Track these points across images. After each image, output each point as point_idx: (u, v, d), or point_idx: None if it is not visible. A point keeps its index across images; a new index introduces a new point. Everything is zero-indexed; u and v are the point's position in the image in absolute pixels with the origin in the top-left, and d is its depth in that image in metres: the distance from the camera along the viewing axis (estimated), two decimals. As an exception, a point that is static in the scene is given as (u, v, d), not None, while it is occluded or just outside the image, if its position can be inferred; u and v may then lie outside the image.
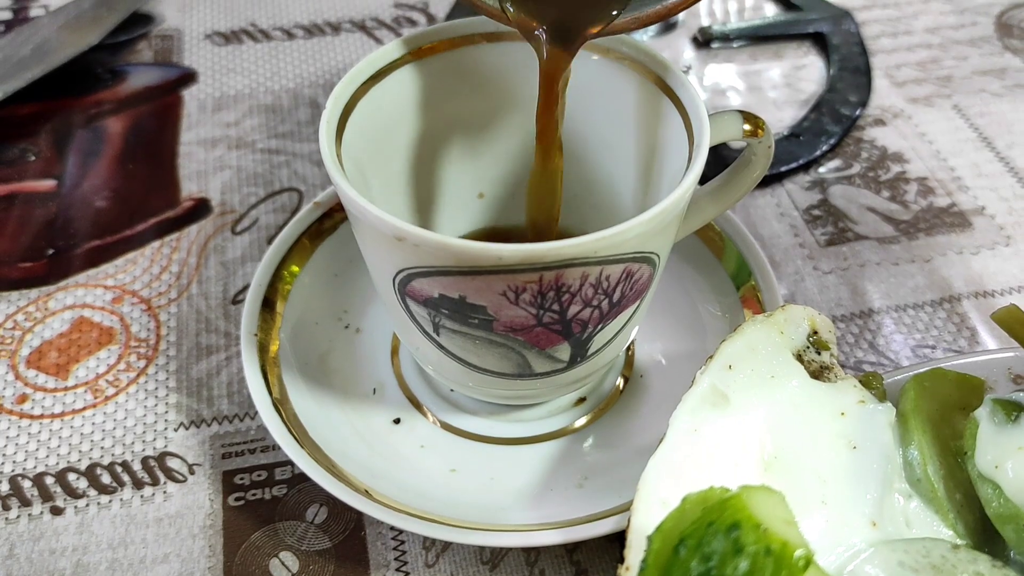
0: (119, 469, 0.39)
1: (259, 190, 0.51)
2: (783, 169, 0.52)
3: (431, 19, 0.64)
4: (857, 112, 0.55)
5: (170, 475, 0.39)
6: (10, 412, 0.41)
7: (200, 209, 0.51)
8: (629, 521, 0.29)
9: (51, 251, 0.48)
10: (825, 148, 0.53)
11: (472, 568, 0.36)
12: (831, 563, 0.29)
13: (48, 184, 0.52)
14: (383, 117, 0.36)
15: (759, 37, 0.62)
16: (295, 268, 0.42)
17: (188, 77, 0.60)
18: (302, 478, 0.38)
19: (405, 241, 0.29)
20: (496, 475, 0.37)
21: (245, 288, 0.46)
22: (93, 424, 0.41)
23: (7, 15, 0.65)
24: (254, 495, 0.38)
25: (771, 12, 0.64)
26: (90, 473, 0.39)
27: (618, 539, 0.32)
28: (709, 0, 0.64)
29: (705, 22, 0.63)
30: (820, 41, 0.61)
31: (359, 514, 0.37)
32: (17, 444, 0.40)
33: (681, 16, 0.63)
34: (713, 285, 0.43)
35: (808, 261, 0.48)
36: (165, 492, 0.38)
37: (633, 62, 0.35)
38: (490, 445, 0.38)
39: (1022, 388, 0.35)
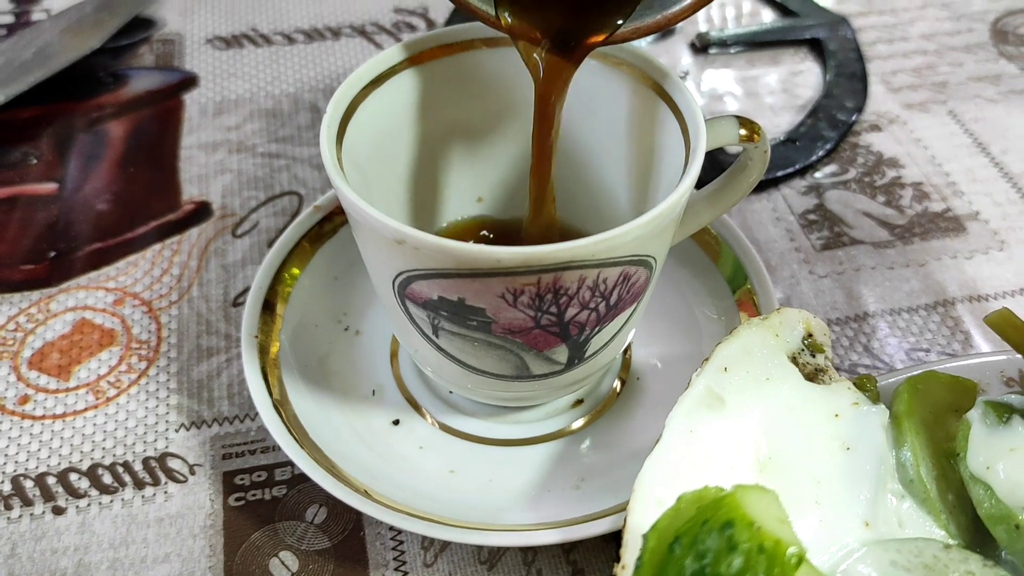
0: (120, 469, 0.39)
1: (259, 194, 0.52)
2: (779, 174, 0.52)
3: (431, 24, 0.65)
4: (853, 118, 0.56)
5: (171, 475, 0.39)
6: (12, 413, 0.42)
7: (201, 212, 0.51)
8: (625, 521, 0.29)
9: (53, 253, 0.49)
10: (821, 153, 0.54)
11: (470, 568, 0.36)
12: (825, 562, 0.30)
13: (50, 187, 0.53)
14: (383, 121, 0.36)
15: (756, 43, 0.62)
16: (295, 271, 0.43)
17: (189, 81, 0.60)
18: (302, 479, 0.39)
19: (405, 244, 0.29)
20: (494, 476, 0.38)
21: (245, 291, 0.46)
22: (94, 425, 0.41)
23: (9, 19, 0.66)
24: (254, 495, 0.38)
25: (768, 18, 0.65)
26: (91, 473, 0.39)
27: (614, 539, 0.33)
28: (707, 7, 0.65)
29: (703, 28, 0.63)
30: (817, 47, 0.62)
31: (358, 514, 0.38)
32: (19, 444, 0.40)
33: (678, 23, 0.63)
34: (709, 288, 0.43)
35: (804, 265, 0.48)
36: (166, 492, 0.39)
37: (630, 67, 0.36)
38: (488, 446, 0.39)
39: (1014, 391, 0.35)
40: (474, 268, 0.29)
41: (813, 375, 0.34)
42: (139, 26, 0.64)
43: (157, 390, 0.42)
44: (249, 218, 0.50)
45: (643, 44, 0.62)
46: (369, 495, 0.35)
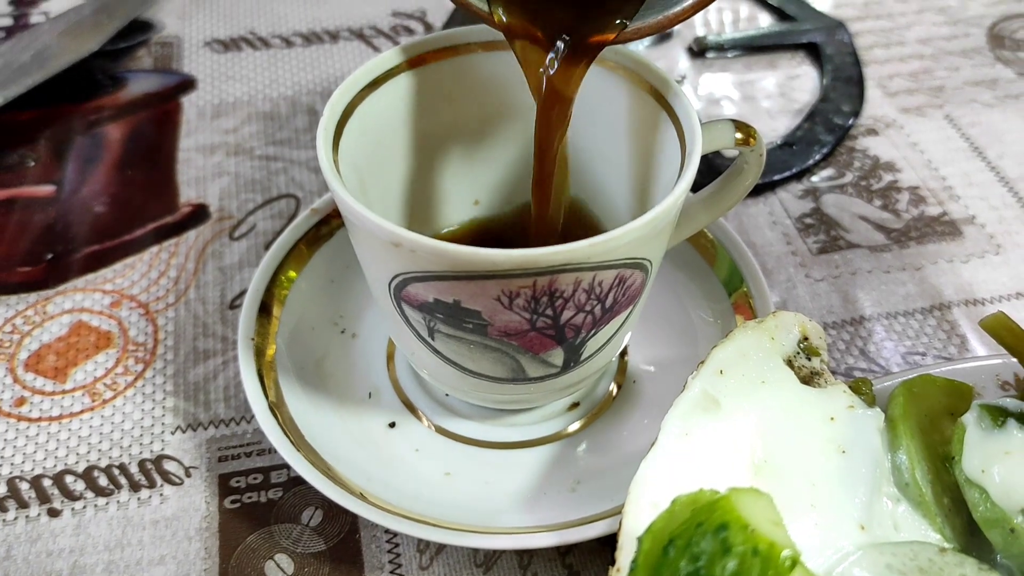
0: (116, 472, 0.39)
1: (257, 196, 0.52)
2: (776, 178, 0.52)
3: (428, 28, 0.65)
4: (850, 122, 0.56)
5: (167, 478, 0.39)
6: (8, 415, 0.42)
7: (198, 215, 0.51)
8: (620, 523, 0.29)
9: (50, 256, 0.49)
10: (818, 157, 0.54)
11: (466, 571, 0.36)
12: (820, 565, 0.30)
13: (47, 189, 0.53)
14: (380, 124, 0.36)
15: (753, 47, 0.62)
16: (292, 273, 0.43)
17: (187, 84, 0.60)
18: (297, 481, 0.39)
19: (401, 246, 0.29)
20: (490, 479, 0.38)
21: (242, 293, 0.46)
22: (91, 427, 0.41)
23: (7, 21, 0.66)
24: (250, 498, 0.38)
25: (765, 22, 0.65)
26: (87, 475, 0.39)
27: (610, 542, 0.33)
28: (704, 10, 0.65)
29: (700, 32, 0.63)
30: (814, 51, 0.62)
31: (354, 517, 0.38)
32: (15, 447, 0.40)
33: (677, 26, 0.63)
34: (705, 292, 0.43)
35: (800, 269, 0.48)
36: (162, 495, 0.39)
37: (626, 71, 0.36)
38: (484, 449, 0.39)
39: (1009, 394, 0.35)
40: (470, 270, 0.29)
41: (809, 378, 0.34)
42: (137, 29, 0.64)
43: (153, 392, 0.42)
44: (246, 221, 0.51)
45: (640, 48, 0.62)
46: (365, 498, 0.35)
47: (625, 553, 0.28)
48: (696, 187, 0.35)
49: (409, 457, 0.38)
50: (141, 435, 0.41)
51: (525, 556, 0.37)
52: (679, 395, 0.32)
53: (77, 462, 0.40)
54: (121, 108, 0.58)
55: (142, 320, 0.45)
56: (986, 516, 0.31)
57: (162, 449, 0.40)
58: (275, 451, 0.38)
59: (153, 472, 0.39)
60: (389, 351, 0.42)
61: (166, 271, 0.48)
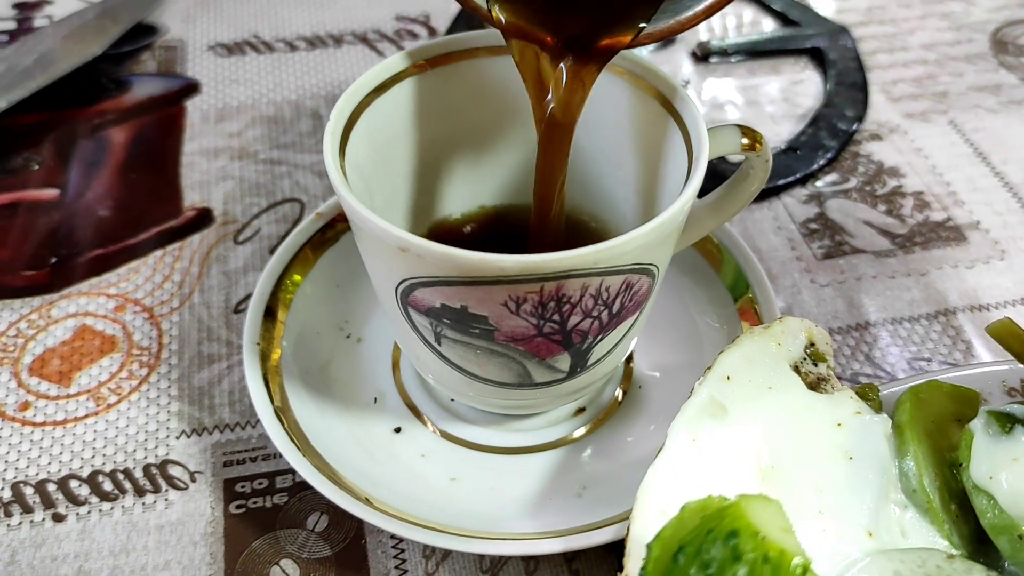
0: (121, 476, 0.39)
1: (261, 200, 0.52)
2: (781, 183, 0.52)
3: (432, 32, 0.65)
4: (854, 127, 0.56)
5: (172, 483, 0.39)
6: (12, 419, 0.41)
7: (202, 219, 0.51)
8: (628, 530, 0.29)
9: (54, 259, 0.49)
10: (822, 162, 0.54)
11: (471, 576, 0.36)
12: (828, 572, 0.30)
13: (51, 193, 0.53)
14: (386, 129, 0.36)
15: (757, 52, 0.62)
16: (297, 277, 0.43)
17: (191, 88, 0.60)
18: (303, 486, 0.39)
19: (408, 251, 0.29)
20: (496, 484, 0.38)
21: (247, 297, 0.46)
22: (95, 431, 0.41)
23: (11, 25, 0.66)
24: (255, 503, 0.38)
25: (769, 27, 0.65)
26: (92, 480, 0.39)
27: (616, 548, 0.33)
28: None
29: (704, 37, 0.63)
30: (817, 56, 0.62)
31: (360, 522, 0.38)
32: (19, 451, 0.40)
33: (680, 31, 0.63)
34: (711, 297, 0.43)
35: (805, 274, 0.48)
36: (167, 499, 0.39)
37: (632, 76, 0.36)
38: (490, 454, 0.39)
39: (1017, 400, 0.35)
40: (477, 276, 0.29)
41: (815, 384, 0.34)
42: (141, 33, 0.64)
43: (158, 397, 0.42)
44: (251, 225, 0.50)
45: (643, 53, 0.62)
46: (370, 503, 0.35)
47: (634, 560, 0.27)
48: (701, 192, 0.35)
49: (415, 462, 0.38)
50: (146, 440, 0.41)
51: (531, 562, 0.37)
52: (686, 401, 0.32)
53: (82, 467, 0.40)
54: (125, 112, 0.58)
55: (146, 324, 0.45)
56: (994, 523, 0.31)
57: (167, 454, 0.40)
58: (280, 456, 0.38)
59: (158, 477, 0.39)
60: (394, 356, 0.42)
61: (170, 275, 0.48)
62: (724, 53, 0.62)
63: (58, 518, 0.38)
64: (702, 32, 0.64)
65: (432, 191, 0.40)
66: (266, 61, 0.62)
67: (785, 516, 0.26)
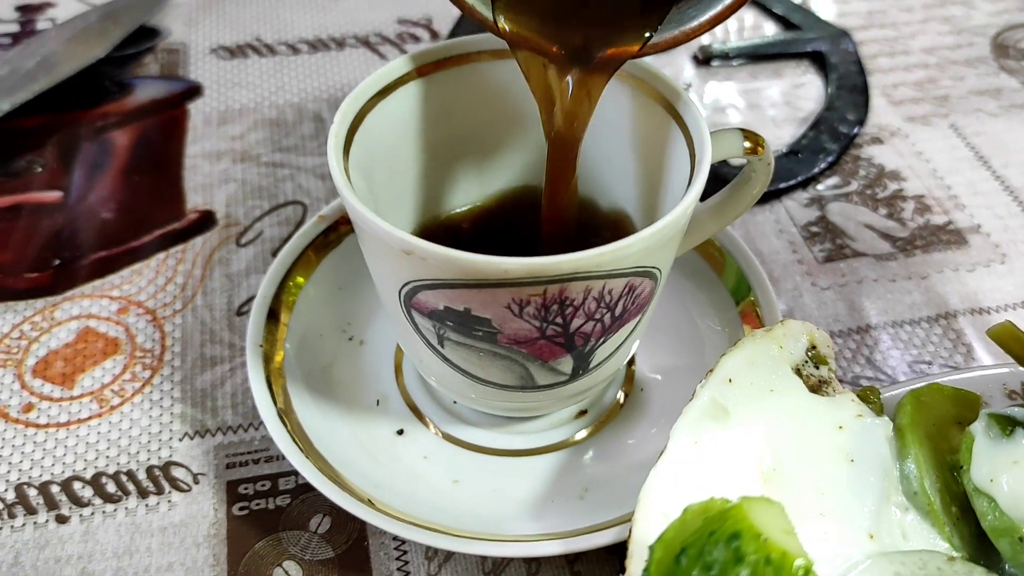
0: (124, 478, 0.39)
1: (264, 203, 0.52)
2: (782, 186, 0.52)
3: (434, 35, 0.65)
4: (855, 130, 0.56)
5: (175, 484, 0.39)
6: (16, 421, 0.42)
7: (205, 221, 0.51)
8: (630, 532, 0.29)
9: (57, 262, 0.49)
10: (823, 166, 0.54)
11: (474, 578, 0.36)
12: (829, 574, 0.30)
13: (54, 195, 0.53)
14: (390, 132, 0.36)
15: (758, 56, 0.62)
16: (300, 280, 0.43)
17: (194, 90, 0.60)
18: (306, 488, 0.39)
19: (412, 254, 0.29)
20: (498, 486, 0.38)
21: (249, 300, 0.46)
22: (98, 433, 0.41)
23: (14, 27, 0.66)
24: (258, 505, 0.38)
25: (770, 31, 0.65)
26: (95, 482, 0.39)
27: (618, 550, 0.33)
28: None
29: (705, 41, 0.63)
30: (819, 60, 0.62)
31: (362, 524, 0.38)
32: (23, 453, 0.40)
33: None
34: (713, 300, 0.43)
35: (806, 277, 0.48)
36: (170, 501, 0.39)
37: (635, 80, 0.36)
38: (492, 456, 0.39)
39: (1017, 403, 0.35)
40: (481, 278, 0.29)
41: (817, 387, 0.34)
42: (144, 36, 0.64)
43: (161, 399, 0.42)
44: (253, 227, 0.51)
45: (647, 57, 0.62)
46: (373, 505, 0.35)
47: (636, 562, 0.28)
48: (703, 195, 0.35)
49: (417, 464, 0.38)
50: (149, 441, 0.41)
51: (533, 564, 0.37)
52: (688, 403, 0.32)
53: (85, 468, 0.40)
54: (128, 114, 0.58)
55: (149, 326, 0.45)
56: (995, 525, 0.31)
57: (170, 456, 0.40)
58: (283, 458, 0.38)
59: (161, 479, 0.39)
60: (397, 358, 0.42)
61: (173, 277, 0.48)
62: (726, 57, 0.62)
63: (61, 520, 0.38)
64: (704, 36, 0.64)
65: (436, 194, 0.41)
66: (268, 64, 0.63)
67: (787, 518, 0.26)
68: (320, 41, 0.64)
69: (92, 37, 0.61)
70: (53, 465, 0.40)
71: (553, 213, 0.37)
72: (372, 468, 0.38)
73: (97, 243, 0.50)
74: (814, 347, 0.35)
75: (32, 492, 0.39)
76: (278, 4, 0.68)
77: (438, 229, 0.41)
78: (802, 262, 0.49)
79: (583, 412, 0.40)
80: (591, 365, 0.34)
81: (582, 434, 0.40)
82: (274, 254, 0.49)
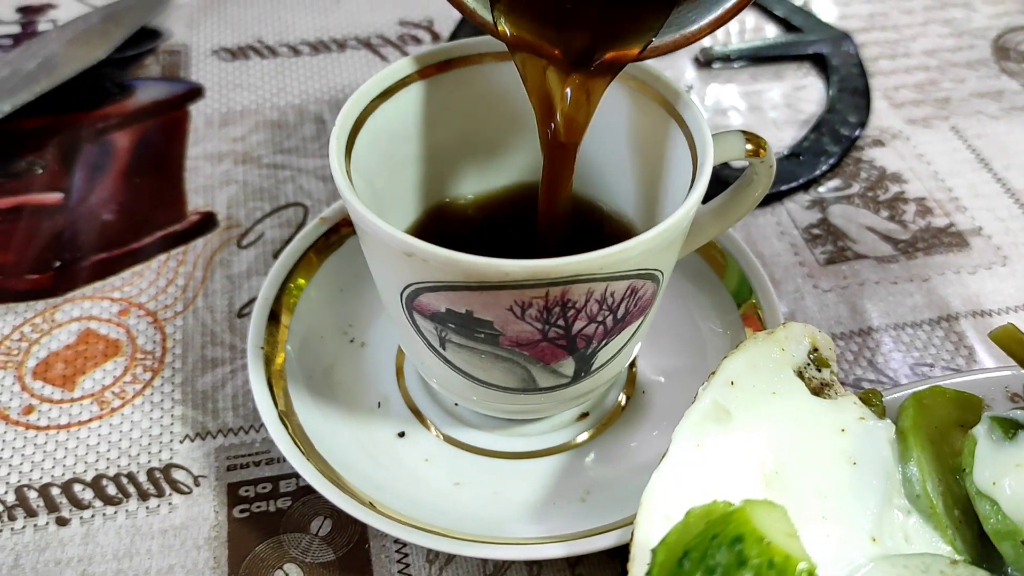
0: (125, 480, 0.39)
1: (265, 205, 0.52)
2: (783, 188, 0.52)
3: (436, 37, 0.65)
4: (856, 133, 0.56)
5: (175, 487, 0.39)
6: (16, 423, 0.41)
7: (206, 223, 0.51)
8: (632, 535, 0.29)
9: (58, 263, 0.49)
10: (825, 168, 0.54)
11: (475, 581, 0.36)
12: (832, 578, 0.30)
13: (55, 197, 0.53)
14: (392, 133, 0.36)
15: (760, 58, 0.62)
16: (301, 281, 0.43)
17: (195, 92, 0.60)
18: (307, 490, 0.39)
19: (414, 256, 0.29)
20: (499, 488, 0.38)
21: (250, 302, 0.46)
22: (99, 436, 0.41)
23: (15, 29, 0.66)
24: (259, 507, 0.38)
25: (772, 33, 0.65)
26: (96, 484, 0.39)
27: (620, 553, 0.33)
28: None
29: (707, 43, 0.63)
30: (820, 62, 0.62)
31: (363, 526, 0.38)
32: (23, 455, 0.40)
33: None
34: (715, 303, 0.43)
35: (808, 279, 0.48)
36: (170, 504, 0.39)
37: (637, 82, 0.36)
38: (493, 459, 0.39)
39: (1020, 406, 0.35)
40: (482, 281, 0.29)
41: (819, 389, 0.34)
42: (145, 37, 0.64)
43: (162, 401, 0.42)
44: (254, 229, 0.51)
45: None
46: (374, 507, 0.35)
47: (638, 565, 0.27)
48: (705, 198, 0.35)
49: (418, 467, 0.38)
50: (149, 444, 0.41)
51: (535, 567, 0.37)
52: (690, 406, 0.32)
53: (85, 471, 0.40)
54: (129, 116, 0.58)
55: (150, 328, 0.45)
56: (997, 528, 0.31)
57: (171, 458, 0.40)
58: (284, 460, 0.38)
59: (162, 481, 0.39)
60: (398, 360, 0.42)
61: (174, 279, 0.48)
62: (727, 59, 0.62)
63: (62, 522, 0.38)
64: (705, 38, 0.64)
65: (438, 194, 0.40)
66: (270, 66, 0.62)
67: (790, 521, 0.26)
68: (321, 43, 0.64)
69: (93, 38, 0.61)
70: (53, 467, 0.40)
71: (549, 215, 0.37)
72: (373, 470, 0.38)
73: (98, 245, 0.50)
74: (816, 350, 0.35)
75: (32, 494, 0.39)
76: (279, 6, 0.68)
77: (440, 230, 0.41)
78: (804, 264, 0.49)
79: (585, 415, 0.40)
80: (593, 367, 0.34)
81: (584, 436, 0.40)
82: (275, 256, 0.49)
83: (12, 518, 0.38)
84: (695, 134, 0.34)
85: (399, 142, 0.37)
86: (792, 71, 0.62)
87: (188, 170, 0.54)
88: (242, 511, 0.38)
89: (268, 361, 0.40)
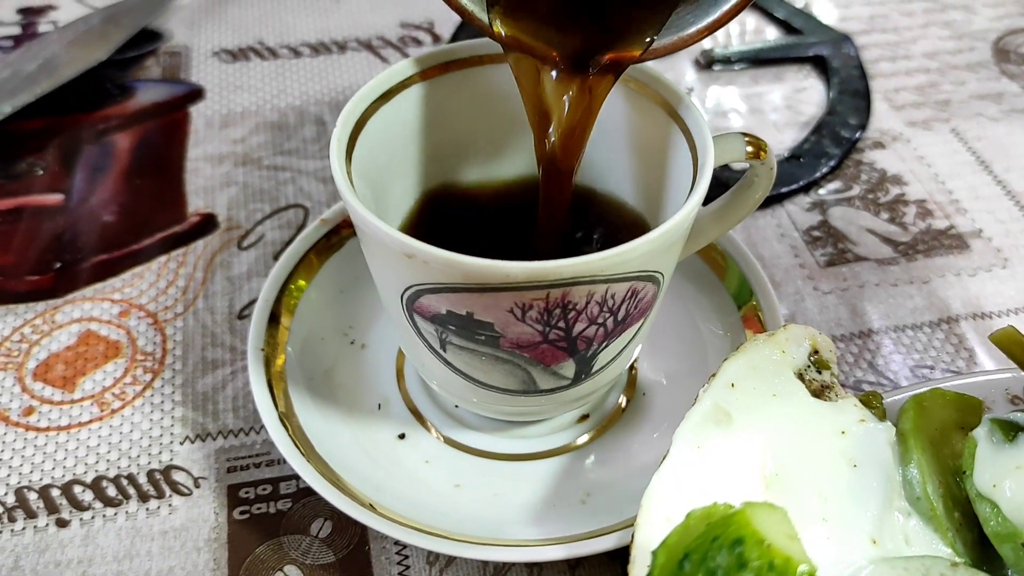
0: (125, 482, 0.39)
1: (265, 206, 0.52)
2: (784, 190, 0.52)
3: (436, 39, 0.65)
4: (857, 135, 0.56)
5: (175, 488, 0.39)
6: (16, 424, 0.41)
7: (206, 224, 0.51)
8: (633, 537, 0.29)
9: (58, 265, 0.49)
10: (825, 170, 0.54)
11: (475, 583, 0.36)
12: (832, 580, 0.30)
13: (56, 198, 0.53)
14: (393, 135, 0.36)
15: (760, 60, 0.62)
16: (302, 283, 0.43)
17: (195, 94, 0.60)
18: (307, 492, 0.39)
19: (414, 258, 0.29)
20: (499, 490, 0.38)
21: (251, 303, 0.46)
22: (99, 437, 0.41)
23: (16, 30, 0.66)
24: (259, 509, 0.38)
25: (772, 35, 0.65)
26: (96, 486, 0.39)
27: (620, 555, 0.33)
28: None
29: (707, 45, 0.63)
30: (820, 64, 0.62)
31: (363, 528, 0.38)
32: (23, 456, 0.40)
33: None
34: (715, 304, 0.43)
35: (808, 281, 0.48)
36: (170, 505, 0.39)
37: (638, 84, 0.36)
38: (494, 461, 0.39)
39: (1020, 408, 0.35)
40: (483, 283, 0.29)
41: (819, 392, 0.34)
42: (146, 38, 0.64)
43: (162, 402, 0.42)
44: (255, 230, 0.51)
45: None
46: (374, 509, 0.35)
47: (639, 567, 0.27)
48: (705, 200, 0.35)
49: (419, 468, 0.38)
50: (150, 445, 0.41)
51: (535, 569, 0.37)
52: (690, 408, 0.32)
53: (85, 472, 0.40)
54: (129, 117, 0.58)
55: (150, 330, 0.45)
56: (997, 531, 0.31)
57: (171, 459, 0.40)
58: (284, 462, 0.38)
59: (162, 482, 0.39)
60: (399, 362, 0.42)
61: (174, 281, 0.48)
62: (727, 61, 0.62)
63: (62, 523, 0.38)
64: (705, 40, 0.64)
65: (438, 196, 0.40)
66: (270, 67, 0.63)
67: (790, 523, 0.26)
68: (322, 44, 0.65)
69: (94, 40, 0.61)
70: (53, 469, 0.40)
71: (548, 218, 0.37)
72: (373, 472, 0.38)
73: (98, 246, 0.50)
74: (816, 352, 0.35)
75: (32, 496, 0.39)
76: (280, 7, 0.68)
77: (440, 229, 0.41)
78: (804, 266, 0.49)
79: (585, 416, 0.40)
80: (593, 369, 0.34)
81: (584, 438, 0.40)
82: (275, 257, 0.49)
83: (12, 519, 0.38)
84: (696, 136, 0.34)
85: (400, 144, 0.37)
86: (792, 73, 0.62)
87: (188, 171, 0.54)
88: (242, 513, 0.38)
89: (268, 363, 0.40)
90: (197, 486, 0.39)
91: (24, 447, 0.41)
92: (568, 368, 0.33)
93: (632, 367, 0.42)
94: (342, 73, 0.62)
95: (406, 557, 0.37)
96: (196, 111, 0.59)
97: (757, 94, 0.60)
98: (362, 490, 0.36)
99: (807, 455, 0.32)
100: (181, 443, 0.41)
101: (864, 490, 0.32)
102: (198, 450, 0.40)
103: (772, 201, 0.52)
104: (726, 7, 0.31)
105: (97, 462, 0.40)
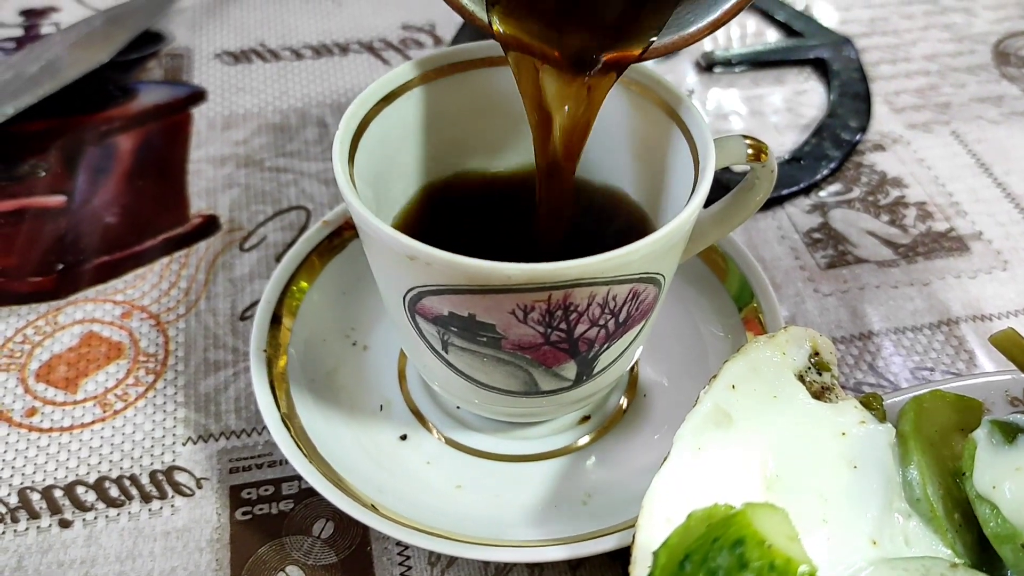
0: (127, 483, 0.39)
1: (267, 208, 0.52)
2: (784, 192, 0.53)
3: (438, 41, 0.65)
4: (857, 137, 0.56)
5: (178, 489, 0.39)
6: (19, 425, 0.42)
7: (209, 226, 0.51)
8: (634, 538, 0.29)
9: (60, 266, 0.49)
10: (825, 172, 0.54)
11: (476, 584, 0.36)
12: (832, 581, 0.30)
13: (58, 200, 0.53)
14: (395, 137, 0.37)
15: (761, 62, 0.63)
16: (304, 284, 0.43)
17: (198, 95, 0.60)
18: (309, 493, 0.39)
19: (417, 260, 0.29)
20: (501, 491, 0.38)
21: (253, 305, 0.46)
22: (102, 438, 0.41)
23: (18, 32, 0.66)
24: (261, 509, 0.38)
25: (773, 38, 0.65)
26: (99, 486, 0.39)
27: (621, 556, 0.33)
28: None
29: (708, 47, 0.64)
30: (821, 67, 0.62)
31: (365, 529, 0.38)
32: (26, 457, 0.40)
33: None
34: (716, 306, 0.43)
35: (809, 283, 0.48)
36: (173, 506, 0.39)
37: (639, 86, 0.36)
38: (495, 462, 0.39)
39: (1020, 410, 0.35)
40: (485, 284, 0.29)
41: (820, 393, 0.34)
42: (148, 40, 0.64)
43: (164, 403, 0.42)
44: (257, 232, 0.51)
45: (649, 63, 0.62)
46: (376, 510, 0.35)
47: (640, 568, 0.28)
48: (706, 202, 0.35)
49: (420, 469, 0.39)
50: (152, 446, 0.41)
51: (536, 569, 0.37)
52: (691, 410, 0.32)
53: (88, 473, 0.40)
54: (131, 119, 0.58)
55: (153, 331, 0.46)
56: (997, 532, 0.31)
57: (173, 460, 0.40)
58: (286, 463, 0.38)
59: (164, 483, 0.39)
60: (400, 363, 0.42)
61: (176, 282, 0.48)
62: (728, 63, 0.62)
63: (65, 524, 0.38)
64: (706, 42, 0.64)
65: (440, 198, 0.41)
66: (272, 69, 0.63)
67: (791, 524, 0.26)
68: (324, 46, 0.65)
69: (96, 42, 0.61)
70: (56, 469, 0.40)
71: (547, 217, 0.37)
72: (375, 473, 0.38)
73: (101, 247, 0.50)
74: (817, 353, 0.35)
75: (35, 496, 0.39)
76: (282, 9, 0.68)
77: (440, 229, 0.41)
78: (804, 268, 0.49)
79: (586, 418, 0.40)
80: (595, 371, 0.34)
81: (585, 440, 0.40)
82: (278, 259, 0.49)
83: (15, 520, 0.38)
84: (696, 138, 0.34)
85: (402, 146, 0.37)
86: (793, 76, 0.62)
87: (190, 173, 0.55)
88: (244, 513, 0.38)
89: (271, 364, 0.40)
90: (199, 487, 0.39)
91: (27, 448, 0.41)
92: (570, 369, 0.34)
93: (633, 369, 0.42)
94: (344, 75, 0.62)
95: (408, 558, 0.37)
96: (198, 113, 0.59)
97: (758, 96, 0.60)
98: (364, 491, 0.36)
99: (808, 456, 0.33)
100: (183, 444, 0.41)
101: (864, 491, 0.32)
102: (200, 451, 0.41)
103: (773, 203, 0.52)
104: (726, 6, 0.32)
105: (100, 463, 0.40)
